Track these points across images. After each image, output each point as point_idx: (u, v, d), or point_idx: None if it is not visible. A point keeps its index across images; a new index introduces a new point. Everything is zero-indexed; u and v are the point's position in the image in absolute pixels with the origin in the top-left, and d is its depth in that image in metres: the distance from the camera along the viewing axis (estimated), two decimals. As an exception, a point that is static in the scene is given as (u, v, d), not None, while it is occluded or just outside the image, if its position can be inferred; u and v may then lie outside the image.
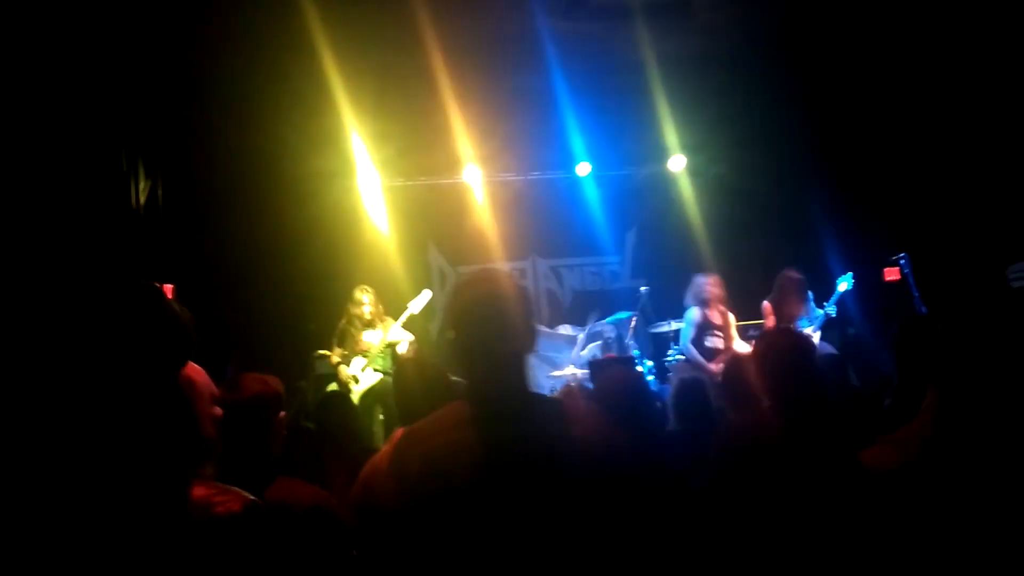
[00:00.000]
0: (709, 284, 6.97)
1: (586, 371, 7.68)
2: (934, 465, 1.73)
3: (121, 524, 1.28)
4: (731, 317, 7.03)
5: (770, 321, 6.88)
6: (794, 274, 6.84)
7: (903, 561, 1.72)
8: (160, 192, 6.95)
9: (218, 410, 1.72)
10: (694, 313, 6.97)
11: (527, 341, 1.77)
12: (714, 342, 6.89)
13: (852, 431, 2.28)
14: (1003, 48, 6.49)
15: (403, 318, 7.00)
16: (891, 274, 7.01)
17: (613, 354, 7.65)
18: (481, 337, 1.74)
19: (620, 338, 7.95)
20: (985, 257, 6.87)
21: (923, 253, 6.76)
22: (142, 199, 6.65)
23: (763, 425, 2.55)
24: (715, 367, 6.56)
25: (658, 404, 3.40)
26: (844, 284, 6.75)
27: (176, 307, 1.51)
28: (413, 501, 1.65)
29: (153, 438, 1.35)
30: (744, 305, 7.26)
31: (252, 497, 1.49)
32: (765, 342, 2.55)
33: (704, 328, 6.91)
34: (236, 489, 1.49)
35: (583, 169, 9.00)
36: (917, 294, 6.41)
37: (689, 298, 7.06)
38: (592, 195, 9.37)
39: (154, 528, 1.30)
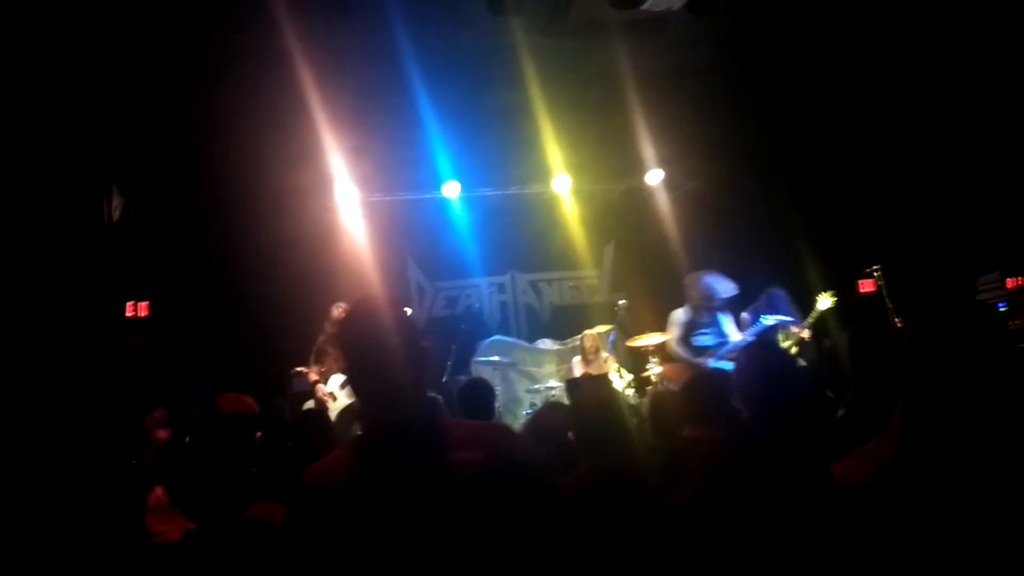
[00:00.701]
0: (694, 281, 7.00)
1: (560, 385, 7.69)
2: (904, 476, 1.74)
3: (79, 551, 1.26)
4: (725, 315, 7.02)
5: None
6: (776, 290, 6.90)
7: (877, 571, 1.73)
8: (134, 209, 6.89)
9: (162, 434, 1.72)
10: (678, 313, 7.00)
11: (415, 370, 1.75)
12: (703, 340, 6.92)
13: (822, 443, 2.30)
14: (974, 64, 6.61)
15: None
16: (866, 286, 7.09)
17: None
18: (366, 372, 1.75)
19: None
20: (957, 269, 6.97)
21: (897, 265, 6.84)
22: (116, 216, 6.59)
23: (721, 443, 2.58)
24: (700, 360, 6.65)
25: (634, 420, 3.39)
26: (824, 302, 6.75)
27: (146, 357, 1.52)
28: (298, 531, 1.67)
29: (111, 468, 1.34)
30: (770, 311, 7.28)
31: (190, 525, 1.48)
32: (743, 357, 2.57)
33: (692, 326, 6.92)
34: (179, 516, 1.48)
35: (561, 184, 9.03)
36: (891, 306, 6.49)
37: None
38: (570, 210, 9.41)
39: (110, 555, 1.29)
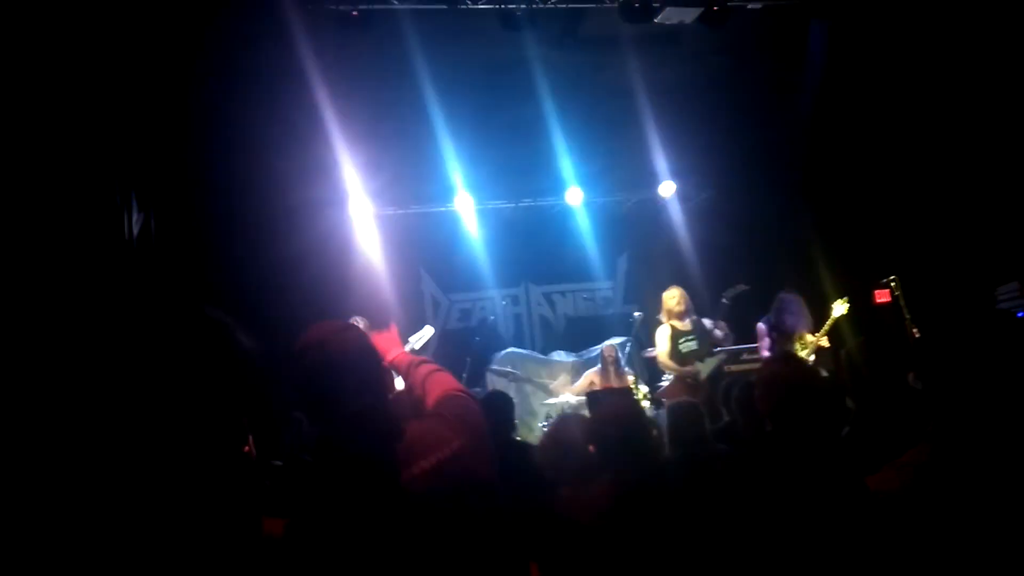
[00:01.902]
0: (667, 299, 7.17)
1: (576, 398, 7.69)
2: (933, 486, 1.75)
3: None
4: (706, 322, 7.15)
5: (764, 343, 6.92)
6: (788, 294, 6.90)
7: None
8: (153, 223, 6.94)
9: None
10: (661, 329, 7.18)
11: (369, 395, 1.77)
12: (689, 346, 7.03)
13: (855, 455, 2.29)
14: (989, 72, 6.59)
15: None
16: (882, 296, 7.05)
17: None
18: (321, 401, 1.77)
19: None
20: (975, 278, 6.93)
21: (914, 275, 6.81)
22: (135, 231, 6.64)
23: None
24: (689, 368, 6.93)
25: (654, 432, 3.39)
26: (838, 309, 6.76)
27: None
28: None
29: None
30: (736, 328, 7.30)
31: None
32: (767, 370, 2.56)
33: (676, 337, 7.05)
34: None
35: (574, 196, 9.05)
36: (908, 316, 6.45)
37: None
38: (584, 221, 9.43)
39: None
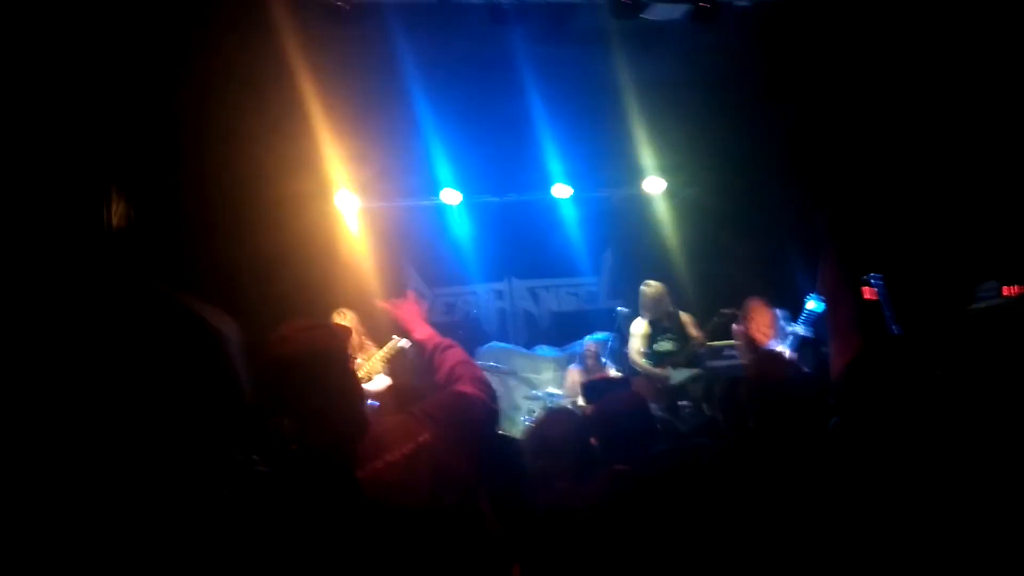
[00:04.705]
0: (646, 290, 7.21)
1: (559, 393, 7.71)
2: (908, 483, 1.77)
3: None
4: (684, 317, 7.16)
5: (740, 342, 6.96)
6: (756, 301, 6.93)
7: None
8: (134, 214, 6.87)
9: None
10: (637, 323, 7.22)
11: (324, 395, 1.79)
12: (664, 345, 7.04)
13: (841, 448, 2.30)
14: (978, 73, 6.65)
15: (387, 351, 5.85)
16: (865, 294, 7.10)
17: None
18: (279, 396, 1.82)
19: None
20: (957, 276, 6.99)
21: (897, 273, 6.86)
22: (116, 221, 6.57)
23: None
24: (660, 371, 6.96)
25: (657, 425, 3.39)
26: (812, 303, 6.79)
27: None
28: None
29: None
30: (720, 326, 7.33)
31: None
32: (750, 370, 2.58)
33: (652, 334, 7.05)
34: None
35: (561, 191, 9.05)
36: (890, 313, 6.50)
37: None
38: (569, 216, 9.43)
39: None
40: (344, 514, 1.62)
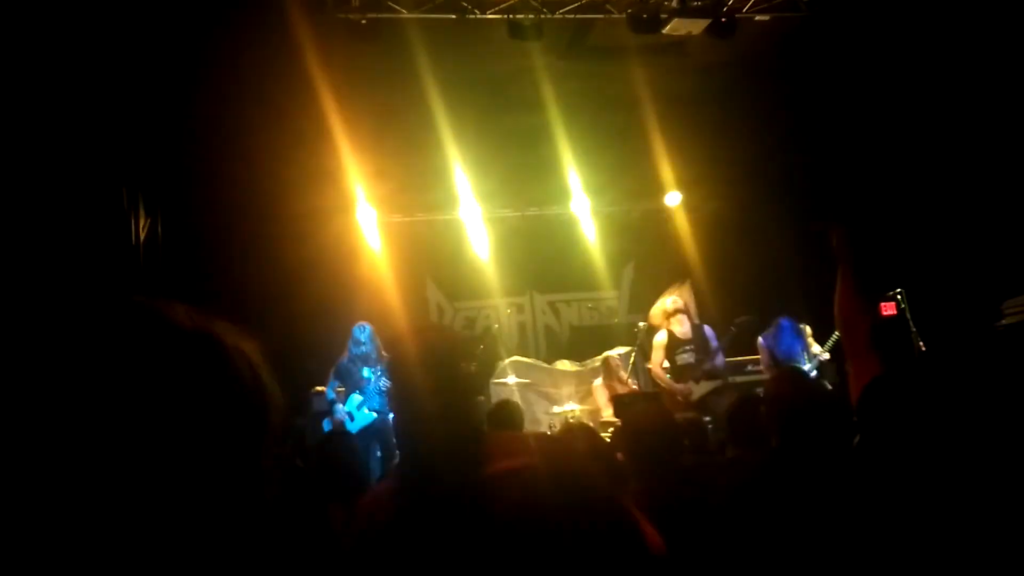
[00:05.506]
0: (668, 301, 7.14)
1: (577, 407, 7.67)
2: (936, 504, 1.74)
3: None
4: (707, 330, 7.08)
5: (764, 357, 6.91)
6: (786, 320, 6.88)
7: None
8: (160, 229, 6.96)
9: None
10: (659, 336, 7.12)
11: (445, 399, 1.73)
12: (685, 358, 6.95)
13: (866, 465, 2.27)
14: (1005, 83, 6.58)
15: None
16: (887, 309, 7.03)
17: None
18: (396, 404, 1.82)
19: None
20: (982, 291, 6.89)
21: (921, 287, 6.79)
22: (142, 236, 6.66)
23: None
24: (682, 386, 6.79)
25: (686, 442, 3.34)
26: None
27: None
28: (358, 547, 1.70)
29: None
30: (740, 340, 7.28)
31: None
32: (771, 388, 2.55)
33: (673, 347, 6.98)
34: None
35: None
36: (914, 329, 6.42)
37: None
38: (589, 231, 9.42)
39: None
40: (465, 512, 1.61)
